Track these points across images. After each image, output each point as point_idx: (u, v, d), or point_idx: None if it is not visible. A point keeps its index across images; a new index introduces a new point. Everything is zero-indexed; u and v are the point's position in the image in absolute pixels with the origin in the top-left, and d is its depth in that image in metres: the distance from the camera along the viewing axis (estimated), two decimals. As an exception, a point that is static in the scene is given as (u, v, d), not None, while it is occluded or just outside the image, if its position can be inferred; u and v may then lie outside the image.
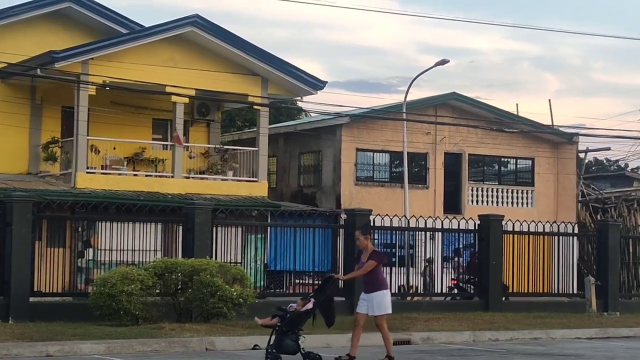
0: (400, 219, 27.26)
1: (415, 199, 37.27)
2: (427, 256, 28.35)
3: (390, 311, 16.91)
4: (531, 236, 28.55)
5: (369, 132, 37.99)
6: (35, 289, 21.94)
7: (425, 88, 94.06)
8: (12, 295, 21.13)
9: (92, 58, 31.14)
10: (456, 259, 28.83)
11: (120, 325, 20.23)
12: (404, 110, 36.75)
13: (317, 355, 16.19)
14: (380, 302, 16.70)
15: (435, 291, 28.00)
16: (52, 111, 33.27)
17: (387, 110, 39.16)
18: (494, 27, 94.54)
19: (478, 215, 28.33)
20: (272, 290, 27.56)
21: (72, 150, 31.63)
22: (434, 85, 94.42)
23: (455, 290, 28.96)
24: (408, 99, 37.20)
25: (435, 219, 28.86)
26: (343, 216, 28.45)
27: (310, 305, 16.31)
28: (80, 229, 25.16)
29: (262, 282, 27.00)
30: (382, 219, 26.38)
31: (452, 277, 28.89)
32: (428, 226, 27.52)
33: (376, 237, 26.45)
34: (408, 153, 36.71)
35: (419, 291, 28.43)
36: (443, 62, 36.15)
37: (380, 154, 38.51)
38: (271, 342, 16.09)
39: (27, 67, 30.83)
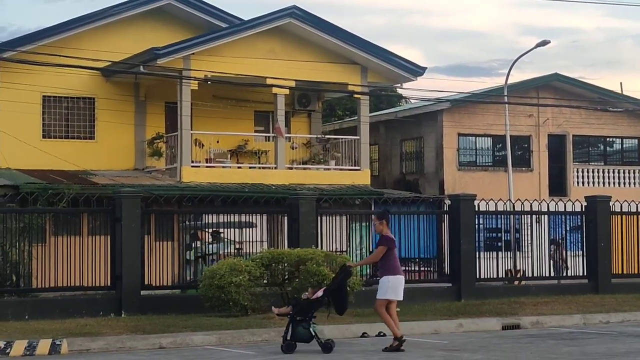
0: (505, 203, 27.03)
1: (519, 183, 36.93)
2: (552, 238, 27.99)
3: (393, 297, 16.76)
4: (640, 216, 28.04)
5: (470, 116, 37.75)
6: (146, 283, 22.31)
7: (527, 70, 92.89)
8: (124, 289, 21.54)
9: (193, 53, 31.51)
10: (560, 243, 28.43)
11: (230, 316, 20.48)
12: (506, 93, 36.41)
13: (329, 343, 16.33)
14: (382, 287, 16.72)
15: (543, 275, 27.67)
16: (155, 107, 33.79)
17: (489, 93, 38.87)
18: (595, 5, 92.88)
19: (584, 197, 27.95)
20: (379, 278, 27.51)
21: (176, 145, 32.07)
22: (535, 66, 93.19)
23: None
24: (509, 81, 36.85)
25: (541, 202, 28.54)
26: (447, 202, 28.31)
27: (320, 293, 16.52)
28: (187, 222, 25.47)
29: (368, 270, 27.02)
30: (487, 203, 26.20)
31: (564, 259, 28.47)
32: (533, 209, 27.21)
33: (481, 221, 26.30)
34: (511, 136, 36.36)
35: (526, 275, 28.15)
36: (544, 43, 35.70)
37: (483, 138, 38.24)
38: (287, 331, 16.34)
39: (130, 65, 31.35)
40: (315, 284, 21.00)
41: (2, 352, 16.45)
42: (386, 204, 29.19)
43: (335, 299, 16.66)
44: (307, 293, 16.87)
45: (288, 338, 16.30)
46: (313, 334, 16.33)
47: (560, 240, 28.10)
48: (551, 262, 28.16)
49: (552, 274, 27.98)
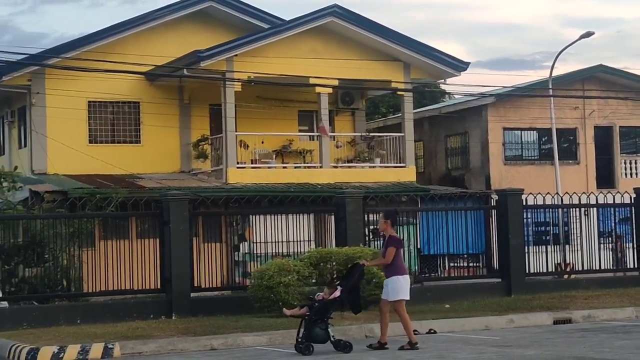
0: (553, 197, 26.83)
1: (566, 175, 36.65)
2: (612, 232, 27.75)
3: (406, 297, 16.64)
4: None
5: (515, 110, 37.52)
6: (195, 285, 22.39)
7: (571, 62, 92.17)
8: (174, 292, 21.63)
9: (236, 55, 31.60)
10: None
11: (280, 316, 20.42)
12: (550, 86, 36.15)
13: (348, 343, 16.30)
14: (395, 288, 16.58)
15: (593, 268, 27.43)
16: (200, 109, 33.93)
17: (533, 87, 38.61)
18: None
19: (633, 188, 27.67)
20: (427, 275, 27.49)
21: (222, 147, 32.19)
22: (580, 58, 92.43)
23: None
24: (554, 74, 36.57)
25: (589, 194, 28.32)
26: (494, 197, 28.18)
27: (337, 293, 16.43)
28: (234, 224, 25.55)
29: (416, 267, 26.96)
30: (535, 197, 26.02)
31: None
32: (582, 202, 27.00)
33: (529, 216, 26.13)
34: (557, 129, 36.11)
35: (575, 269, 27.93)
36: (588, 34, 35.40)
37: (528, 131, 38.02)
38: (301, 332, 16.23)
39: (173, 68, 31.52)
40: (364, 282, 20.98)
41: (55, 356, 16.58)
42: (432, 200, 29.09)
43: (350, 298, 16.61)
44: (321, 293, 16.80)
45: (304, 340, 16.21)
46: (330, 334, 16.29)
47: (620, 233, 27.80)
48: (611, 255, 27.84)
49: (609, 267, 27.68)
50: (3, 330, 19.34)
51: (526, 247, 25.37)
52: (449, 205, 28.97)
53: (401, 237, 23.28)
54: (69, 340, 17.49)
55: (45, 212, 24.34)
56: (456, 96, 44.73)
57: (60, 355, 16.64)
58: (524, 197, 25.51)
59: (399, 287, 16.59)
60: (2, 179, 27.70)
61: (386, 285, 16.79)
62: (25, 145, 33.29)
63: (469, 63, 34.88)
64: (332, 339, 16.32)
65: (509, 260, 24.84)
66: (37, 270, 22.47)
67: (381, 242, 17.47)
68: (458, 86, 48.84)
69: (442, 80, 35.97)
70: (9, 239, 21.84)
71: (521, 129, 37.81)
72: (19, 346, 16.96)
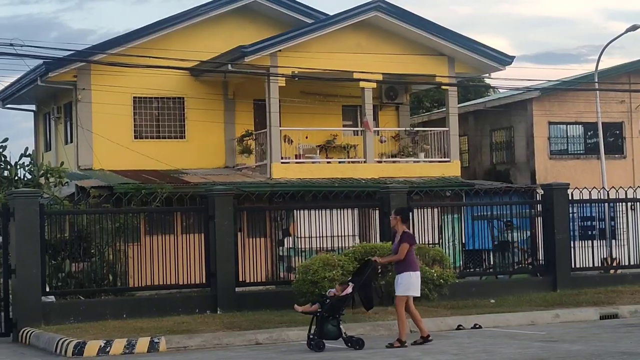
0: (599, 191, 26.62)
1: (612, 170, 36.34)
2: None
3: (413, 294, 16.54)
4: None
5: (560, 104, 37.26)
6: (240, 279, 22.46)
7: (617, 55, 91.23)
8: (219, 287, 21.71)
9: (280, 50, 31.63)
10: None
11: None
12: (596, 80, 35.86)
13: (360, 339, 16.28)
14: (405, 283, 16.48)
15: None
16: (244, 105, 34.01)
17: (578, 81, 38.29)
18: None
19: (680, 183, 27.40)
20: (472, 270, 27.42)
21: (266, 142, 32.25)
22: (625, 52, 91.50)
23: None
24: (599, 67, 36.28)
25: (636, 188, 28.05)
26: (539, 191, 28.01)
27: (349, 290, 16.38)
28: (279, 219, 25.61)
29: (460, 262, 26.88)
30: (580, 192, 25.85)
31: None
32: (628, 196, 26.77)
33: (575, 210, 25.97)
34: (603, 123, 35.81)
35: (621, 263, 27.72)
36: (634, 27, 35.05)
37: (574, 125, 37.72)
38: (312, 329, 16.21)
39: (218, 64, 31.60)
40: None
41: (102, 350, 16.74)
42: (477, 195, 28.97)
43: (362, 294, 16.57)
44: (333, 290, 16.78)
45: (316, 336, 16.20)
46: (342, 331, 16.27)
47: None
48: None
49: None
50: (50, 324, 19.54)
51: (572, 242, 25.20)
52: (494, 199, 28.85)
53: (449, 232, 23.27)
54: (115, 335, 17.63)
55: (91, 208, 24.51)
56: (501, 90, 44.48)
57: (107, 350, 16.78)
58: (569, 191, 25.34)
59: (410, 283, 16.52)
60: (48, 175, 27.98)
61: (396, 280, 16.72)
62: (71, 141, 33.57)
63: (514, 57, 34.70)
64: (344, 335, 16.30)
65: (555, 255, 24.70)
66: (83, 265, 22.65)
67: (393, 238, 17.27)
68: (503, 80, 48.49)
69: (487, 75, 35.77)
70: (56, 234, 22.03)
71: (567, 123, 37.52)
72: (66, 340, 17.13)
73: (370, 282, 16.86)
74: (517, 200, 29.16)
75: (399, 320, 16.64)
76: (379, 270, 16.96)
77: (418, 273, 16.73)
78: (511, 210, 25.82)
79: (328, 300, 16.39)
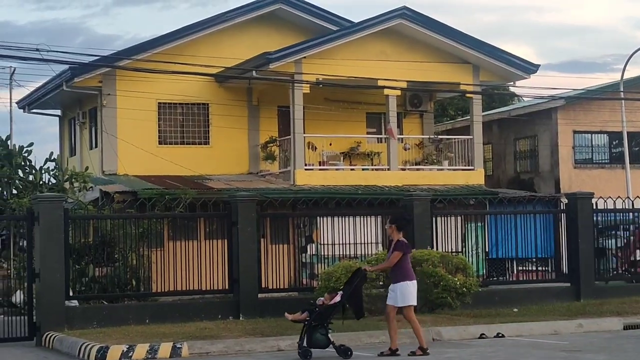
0: (623, 201, 26.50)
1: (637, 179, 36.20)
2: None
3: (414, 303, 16.42)
4: None
5: (585, 113, 37.13)
6: (263, 286, 22.48)
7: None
8: (242, 293, 21.72)
9: (305, 57, 31.66)
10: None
11: (347, 318, 20.43)
12: (622, 89, 35.74)
13: (348, 348, 16.22)
14: (404, 293, 16.35)
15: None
16: (268, 111, 34.06)
17: (604, 89, 38.17)
18: None
19: None
20: (495, 279, 27.33)
21: (289, 149, 32.28)
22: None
23: None
24: (625, 76, 36.13)
25: (661, 198, 27.93)
26: (563, 200, 27.90)
27: (338, 298, 16.36)
28: (302, 225, 25.61)
29: (483, 271, 26.80)
30: (605, 201, 25.73)
31: None
32: (654, 206, 26.61)
33: (599, 219, 25.84)
34: (628, 132, 35.69)
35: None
36: (660, 36, 34.91)
37: (599, 135, 37.59)
38: (302, 337, 16.18)
39: (242, 70, 31.67)
40: (432, 285, 20.95)
41: (125, 355, 16.77)
42: (501, 203, 28.88)
43: (352, 303, 16.52)
44: (322, 298, 16.77)
45: (304, 344, 16.18)
46: (330, 339, 16.22)
47: None
48: None
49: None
50: (73, 328, 19.61)
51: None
52: (518, 208, 28.76)
53: (472, 240, 23.16)
54: (138, 340, 17.66)
55: (115, 213, 24.61)
56: (526, 99, 44.37)
57: (130, 354, 16.81)
58: (594, 201, 25.23)
59: (408, 293, 16.41)
60: (73, 180, 28.15)
61: (393, 291, 16.60)
62: (96, 146, 33.70)
63: (539, 65, 34.62)
64: (333, 344, 16.25)
65: (578, 264, 24.60)
66: (106, 269, 22.73)
67: (389, 247, 17.21)
68: (527, 89, 48.37)
69: (512, 83, 35.70)
70: (80, 238, 22.11)
71: (591, 132, 37.40)
72: (89, 344, 17.18)
73: (359, 291, 16.75)
74: (541, 210, 29.06)
75: (389, 329, 16.52)
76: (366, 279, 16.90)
77: (415, 282, 16.61)
78: (535, 219, 25.71)
79: (317, 309, 16.39)
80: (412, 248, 16.80)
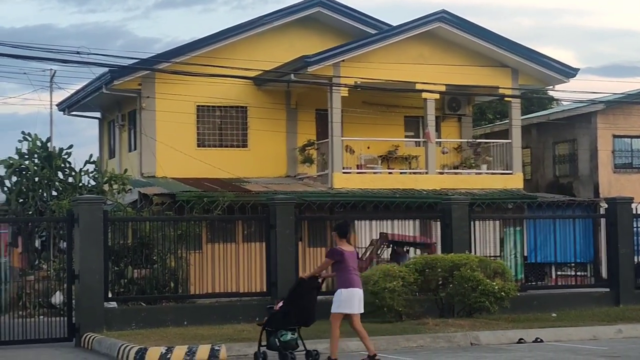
0: (664, 206, 26.26)
1: (678, 184, 35.91)
2: None
3: (344, 311, 15.98)
4: None
5: (625, 117, 36.87)
6: (300, 289, 22.43)
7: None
8: (280, 295, 21.43)
9: (343, 60, 31.68)
10: None
11: (384, 322, 20.48)
12: (662, 93, 35.47)
13: (293, 357, 16.10)
14: (336, 300, 16.03)
15: None
16: (306, 114, 34.10)
17: (644, 93, 37.87)
18: None
19: None
20: (534, 283, 27.20)
21: (327, 152, 32.29)
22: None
23: None
24: (666, 80, 35.86)
25: (703, 203, 27.64)
26: (603, 205, 27.74)
27: (280, 304, 16.38)
28: (339, 229, 25.53)
29: (521, 275, 26.71)
30: (645, 206, 25.53)
31: None
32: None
33: (638, 225, 25.65)
34: (669, 136, 35.41)
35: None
36: (702, 40, 34.62)
37: (639, 139, 37.30)
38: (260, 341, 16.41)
39: (281, 73, 31.73)
40: (470, 289, 20.89)
41: (163, 357, 16.81)
42: (540, 207, 28.79)
43: (296, 311, 16.33)
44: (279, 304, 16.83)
45: (262, 346, 16.33)
46: (277, 344, 16.18)
47: None
48: None
49: None
50: (112, 330, 19.71)
51: (636, 257, 24.89)
52: (557, 212, 28.63)
53: (510, 244, 23.03)
54: (176, 341, 17.72)
55: (153, 215, 24.72)
56: (565, 103, 44.13)
57: (168, 356, 16.86)
58: (634, 205, 25.06)
59: (340, 301, 16.01)
60: (112, 182, 28.31)
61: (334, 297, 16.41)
62: (135, 149, 33.89)
63: (579, 69, 34.46)
64: (280, 349, 16.15)
65: (618, 269, 24.42)
66: (145, 271, 22.85)
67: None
68: (567, 93, 48.08)
69: (551, 87, 35.55)
70: (119, 240, 22.24)
71: (631, 137, 37.12)
72: (127, 346, 17.25)
73: (302, 297, 16.47)
74: (580, 214, 28.93)
75: (332, 337, 16.24)
76: (318, 286, 16.66)
77: (351, 289, 16.04)
78: (574, 224, 25.57)
79: (270, 314, 16.56)
80: (354, 256, 16.37)
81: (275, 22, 33.60)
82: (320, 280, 16.65)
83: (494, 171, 34.23)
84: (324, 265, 16.53)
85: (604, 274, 25.22)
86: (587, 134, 37.00)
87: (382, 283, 20.57)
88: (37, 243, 27.60)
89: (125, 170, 30.10)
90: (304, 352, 16.31)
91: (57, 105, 40.00)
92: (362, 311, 16.24)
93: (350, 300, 16.02)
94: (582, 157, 37.31)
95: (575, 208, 31.31)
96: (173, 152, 31.81)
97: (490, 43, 33.11)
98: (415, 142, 35.04)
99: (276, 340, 16.28)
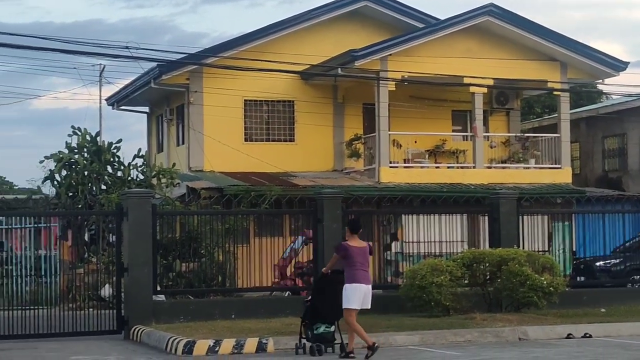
0: None
1: None
2: None
3: (349, 306, 16.00)
4: None
5: (676, 111, 36.50)
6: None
7: None
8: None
9: (390, 54, 31.61)
10: None
11: (432, 316, 20.44)
12: None
13: (319, 347, 16.37)
14: (344, 296, 16.07)
15: None
16: (353, 109, 34.07)
17: (695, 87, 37.43)
18: None
19: None
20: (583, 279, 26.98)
21: (374, 146, 32.25)
22: None
23: None
24: None
25: None
26: (654, 200, 27.49)
27: (309, 298, 16.77)
28: (386, 223, 25.55)
29: (570, 270, 26.51)
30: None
31: None
32: None
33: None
34: None
35: None
36: None
37: (690, 133, 36.93)
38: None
39: (328, 68, 31.74)
40: (518, 284, 20.79)
41: (211, 350, 16.92)
42: (589, 202, 28.55)
43: (320, 304, 16.49)
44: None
45: (301, 341, 16.76)
46: (309, 336, 16.51)
47: None
48: None
49: None
50: (160, 322, 19.82)
51: None
52: (606, 207, 28.38)
53: (559, 239, 22.88)
54: (224, 335, 17.80)
55: (201, 209, 24.82)
56: (614, 97, 43.73)
57: (216, 349, 16.96)
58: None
59: (346, 296, 16.09)
60: (160, 176, 28.48)
61: None
62: (183, 143, 34.06)
63: (629, 63, 34.12)
64: (311, 341, 16.48)
65: (668, 265, 24.18)
66: (193, 265, 22.97)
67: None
68: (617, 86, 47.62)
69: (600, 81, 35.24)
70: (167, 234, 22.36)
71: (682, 131, 36.75)
72: (176, 339, 17.37)
73: (319, 293, 16.68)
74: (630, 209, 28.66)
75: (351, 331, 16.33)
76: (342, 280, 16.67)
77: (356, 285, 16.10)
78: (624, 219, 25.35)
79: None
80: (364, 251, 16.34)
81: (322, 16, 33.59)
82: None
83: (542, 166, 34.02)
84: (334, 260, 16.68)
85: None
86: (637, 128, 36.66)
87: (429, 277, 20.53)
88: (86, 236, 27.82)
89: (174, 165, 30.28)
90: (338, 344, 16.46)
91: (106, 99, 40.35)
92: (368, 307, 16.37)
93: (352, 296, 16.14)
94: (632, 152, 36.98)
95: (625, 203, 30.99)
96: (221, 146, 31.92)
97: (539, 37, 32.87)
98: (463, 136, 34.89)
99: (308, 332, 16.49)
